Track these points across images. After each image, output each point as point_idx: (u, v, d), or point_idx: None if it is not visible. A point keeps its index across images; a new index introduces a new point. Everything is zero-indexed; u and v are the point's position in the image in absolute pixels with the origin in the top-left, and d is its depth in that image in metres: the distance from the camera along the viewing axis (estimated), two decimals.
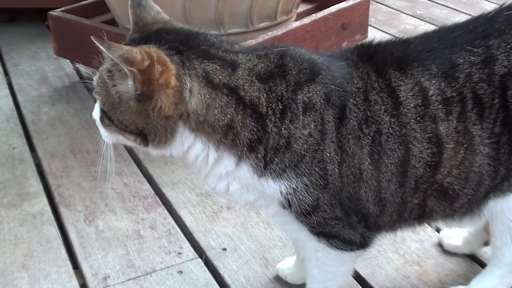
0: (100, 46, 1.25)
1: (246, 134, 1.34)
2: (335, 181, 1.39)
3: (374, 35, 3.59)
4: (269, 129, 1.34)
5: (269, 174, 1.37)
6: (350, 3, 3.08)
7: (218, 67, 1.34)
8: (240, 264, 1.96)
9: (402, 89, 1.40)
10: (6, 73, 3.46)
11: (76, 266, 2.01)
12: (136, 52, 1.26)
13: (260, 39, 2.61)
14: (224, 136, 1.35)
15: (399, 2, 4.37)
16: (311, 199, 1.39)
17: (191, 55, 1.33)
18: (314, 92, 1.36)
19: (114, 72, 1.32)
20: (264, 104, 1.34)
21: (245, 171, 1.39)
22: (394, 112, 1.39)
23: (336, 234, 1.47)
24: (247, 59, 1.38)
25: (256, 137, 1.34)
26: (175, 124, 1.33)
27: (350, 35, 3.12)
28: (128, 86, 1.30)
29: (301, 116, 1.34)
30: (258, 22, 2.79)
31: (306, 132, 1.35)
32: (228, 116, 1.33)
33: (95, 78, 1.40)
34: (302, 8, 3.27)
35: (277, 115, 1.34)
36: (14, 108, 3.05)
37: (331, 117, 1.37)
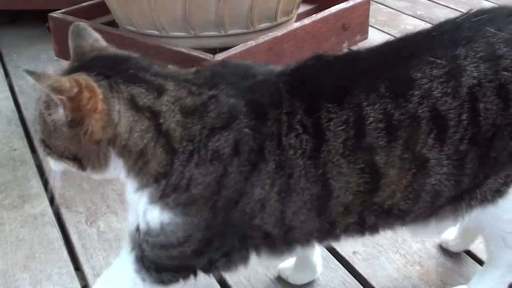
0: (30, 78, 1.27)
1: (154, 165, 1.32)
2: (218, 224, 1.37)
3: (374, 35, 3.60)
4: (175, 166, 1.31)
5: (160, 205, 1.35)
6: (350, 3, 3.08)
7: (143, 90, 1.32)
8: None
9: (332, 123, 1.31)
10: (7, 75, 3.47)
11: (77, 267, 2.01)
12: (65, 81, 1.26)
13: (260, 40, 2.62)
14: (135, 163, 1.34)
15: (400, 3, 4.38)
16: (183, 235, 1.38)
17: (119, 79, 1.32)
18: (224, 140, 1.30)
19: (49, 102, 1.33)
20: (178, 139, 1.30)
21: (140, 197, 1.37)
22: (312, 153, 1.32)
23: (177, 268, 1.47)
24: (177, 88, 1.34)
25: (163, 170, 1.32)
26: (106, 149, 1.33)
27: (350, 36, 3.12)
28: (60, 114, 1.30)
29: (207, 163, 1.31)
30: (258, 23, 2.79)
31: (207, 180, 1.31)
32: (145, 141, 1.31)
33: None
34: (303, 9, 3.27)
35: (186, 155, 1.31)
36: (15, 109, 3.05)
37: (235, 167, 1.32)
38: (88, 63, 1.38)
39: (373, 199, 1.36)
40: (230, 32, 2.74)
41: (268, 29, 2.83)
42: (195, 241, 1.38)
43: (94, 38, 1.47)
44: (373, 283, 1.87)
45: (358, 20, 3.14)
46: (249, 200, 1.34)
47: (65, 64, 3.25)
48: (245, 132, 1.30)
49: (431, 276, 1.88)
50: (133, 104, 1.30)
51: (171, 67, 1.43)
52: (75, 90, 1.25)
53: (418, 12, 4.18)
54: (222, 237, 1.40)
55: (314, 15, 2.94)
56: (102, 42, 1.48)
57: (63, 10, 3.12)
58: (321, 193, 1.34)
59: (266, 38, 2.65)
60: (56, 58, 3.34)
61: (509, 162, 1.39)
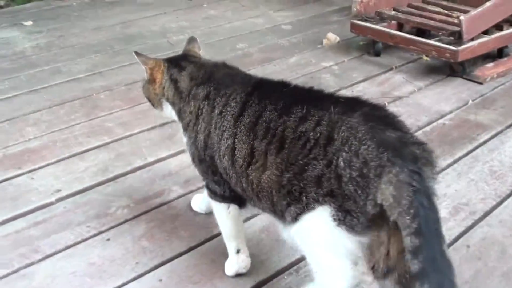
0: (135, 56, 2.19)
1: (176, 106, 2.16)
2: (202, 147, 2.06)
3: None
4: (181, 105, 2.13)
5: (181, 128, 2.15)
6: None
7: (177, 70, 2.17)
8: None
9: (249, 109, 1.90)
10: None
11: None
12: (151, 60, 2.20)
13: None
14: (173, 105, 2.18)
15: None
16: (190, 152, 2.13)
17: (173, 65, 2.19)
18: (201, 90, 2.07)
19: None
20: (184, 90, 2.13)
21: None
22: (235, 118, 1.92)
23: (207, 184, 2.14)
24: (191, 68, 2.16)
25: (179, 107, 2.14)
26: (161, 99, 2.20)
27: None
28: (146, 76, 2.24)
29: (190, 101, 2.09)
30: None
31: (188, 111, 2.10)
32: (171, 95, 2.16)
33: None
34: None
35: (185, 98, 2.12)
36: None
37: (205, 108, 2.04)
38: (178, 56, 2.30)
39: (248, 171, 1.88)
40: None
41: None
42: (196, 160, 2.09)
43: (193, 45, 2.34)
44: None
45: None
46: (212, 134, 2.01)
47: None
48: (212, 88, 2.05)
49: None
50: (171, 78, 2.17)
51: (201, 59, 2.23)
52: (153, 65, 2.18)
53: None
54: (213, 167, 2.03)
55: None
56: (196, 49, 2.32)
57: None
58: (231, 146, 1.93)
59: None
60: None
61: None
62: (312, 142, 1.68)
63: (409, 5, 4.17)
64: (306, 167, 1.67)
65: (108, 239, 2.23)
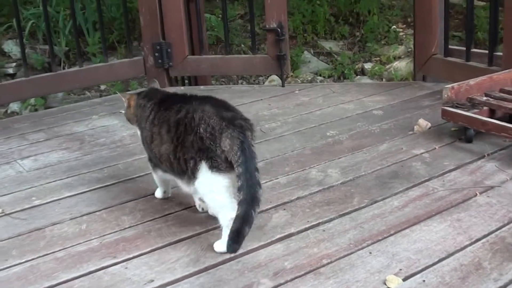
0: (119, 94, 3.27)
1: (136, 116, 3.16)
2: (143, 137, 3.11)
3: None
4: (137, 113, 3.14)
5: (138, 126, 3.16)
6: None
7: (140, 97, 3.15)
8: None
9: (153, 112, 2.97)
10: None
11: None
12: (128, 94, 3.19)
13: None
14: (136, 117, 3.17)
15: None
16: (141, 140, 3.17)
17: (141, 97, 3.16)
18: (143, 103, 3.10)
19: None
20: (140, 106, 3.12)
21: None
22: (146, 119, 3.01)
23: (148, 156, 3.17)
24: (145, 93, 3.18)
25: (136, 115, 3.15)
26: (134, 117, 3.16)
27: None
28: (125, 104, 3.21)
29: (139, 109, 3.11)
30: None
31: (138, 115, 3.12)
32: (136, 110, 3.16)
33: None
34: None
35: (139, 109, 3.12)
36: None
37: (142, 114, 3.07)
38: (144, 90, 3.31)
39: (151, 147, 2.96)
40: None
41: None
42: (145, 146, 3.11)
43: (154, 84, 3.36)
44: None
45: None
46: (143, 129, 3.05)
47: None
48: (145, 102, 3.09)
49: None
50: (137, 102, 3.15)
51: (154, 89, 3.31)
52: (129, 97, 3.16)
53: None
54: (148, 148, 3.06)
55: None
56: (156, 86, 3.34)
57: None
58: (145, 135, 3.05)
59: None
60: None
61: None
62: (185, 123, 2.71)
63: (501, 90, 4.14)
64: (185, 139, 2.69)
65: None
